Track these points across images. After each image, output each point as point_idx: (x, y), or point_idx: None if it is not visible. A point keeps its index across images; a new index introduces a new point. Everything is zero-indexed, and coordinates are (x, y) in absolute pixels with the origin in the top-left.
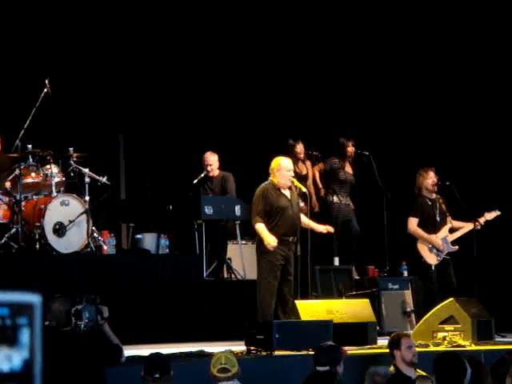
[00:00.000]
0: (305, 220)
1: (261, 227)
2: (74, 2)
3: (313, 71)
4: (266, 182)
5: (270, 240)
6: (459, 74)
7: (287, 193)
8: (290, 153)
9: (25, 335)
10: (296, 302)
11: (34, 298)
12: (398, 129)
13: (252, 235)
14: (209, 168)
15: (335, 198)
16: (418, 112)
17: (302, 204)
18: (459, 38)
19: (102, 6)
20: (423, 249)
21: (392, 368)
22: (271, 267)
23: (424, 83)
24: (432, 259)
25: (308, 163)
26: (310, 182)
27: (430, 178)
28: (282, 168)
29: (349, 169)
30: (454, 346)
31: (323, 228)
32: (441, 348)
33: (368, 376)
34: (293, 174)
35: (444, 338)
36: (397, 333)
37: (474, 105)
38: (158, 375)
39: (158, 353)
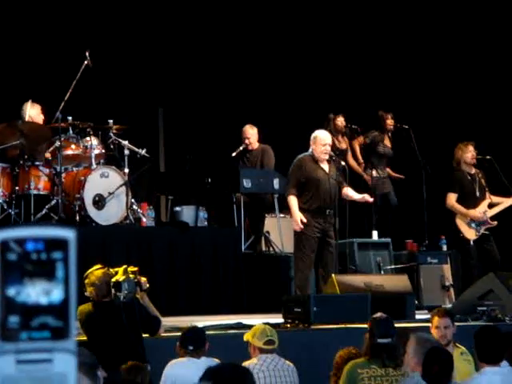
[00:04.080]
0: (347, 192)
1: (292, 202)
2: None
3: (353, 45)
4: (306, 153)
5: (298, 218)
6: (500, 46)
7: (325, 166)
8: (329, 126)
9: (60, 269)
10: (333, 275)
11: (69, 233)
12: (439, 102)
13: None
14: (247, 141)
15: (374, 172)
16: (458, 85)
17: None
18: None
19: None
20: (462, 224)
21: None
22: (307, 240)
23: (465, 57)
24: (470, 234)
25: (346, 139)
26: (349, 156)
27: (470, 152)
28: (318, 141)
29: (387, 142)
30: (493, 321)
31: (362, 197)
32: (480, 323)
33: (416, 341)
34: (328, 148)
35: (483, 313)
36: (435, 309)
37: None
38: (191, 348)
39: (193, 326)
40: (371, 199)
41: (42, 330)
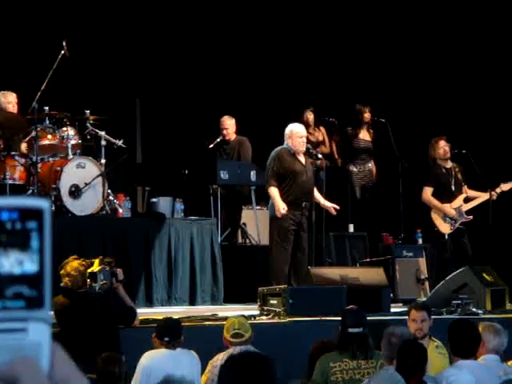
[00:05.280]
0: (317, 196)
1: (274, 192)
2: None
3: (331, 38)
4: (282, 146)
5: (281, 207)
6: (479, 39)
7: (302, 158)
8: (301, 121)
9: (35, 239)
10: (309, 268)
11: (44, 203)
12: (416, 96)
13: (267, 201)
14: (225, 132)
15: (352, 167)
16: (436, 80)
17: (318, 162)
18: (477, 9)
19: None
20: (437, 218)
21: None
22: (283, 232)
23: (443, 50)
24: (445, 228)
25: (322, 129)
26: (327, 146)
27: (441, 148)
28: (294, 134)
29: (365, 135)
30: (467, 314)
31: (330, 205)
32: (454, 316)
33: (385, 336)
34: (305, 141)
35: (457, 306)
36: (413, 303)
37: (491, 74)
38: (167, 339)
39: (169, 317)
40: (334, 212)
41: (17, 300)
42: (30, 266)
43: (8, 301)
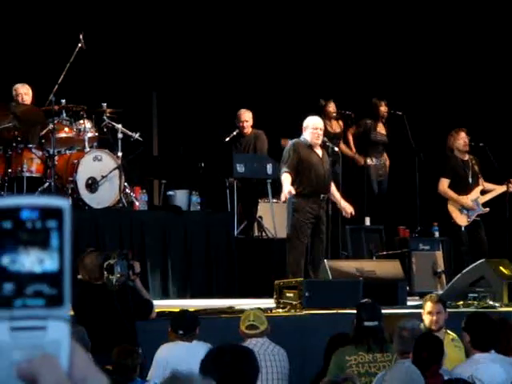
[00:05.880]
0: (335, 193)
1: (286, 178)
2: None
3: (348, 31)
4: (299, 139)
5: (287, 190)
6: (496, 31)
7: (319, 151)
8: (321, 112)
9: (55, 238)
10: (326, 261)
11: (64, 202)
12: (433, 89)
13: None
14: (245, 124)
15: (369, 160)
16: (452, 72)
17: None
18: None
19: None
20: (453, 210)
21: (423, 326)
22: (301, 225)
23: (460, 43)
24: (462, 220)
25: (341, 123)
26: (340, 141)
27: (461, 139)
28: (309, 126)
29: (381, 129)
30: (484, 307)
31: (347, 208)
32: (471, 309)
33: (396, 330)
34: (320, 133)
35: (474, 299)
36: (428, 295)
37: (508, 67)
38: (182, 332)
39: (184, 310)
40: (348, 215)
41: (37, 298)
42: (50, 264)
43: (28, 299)
